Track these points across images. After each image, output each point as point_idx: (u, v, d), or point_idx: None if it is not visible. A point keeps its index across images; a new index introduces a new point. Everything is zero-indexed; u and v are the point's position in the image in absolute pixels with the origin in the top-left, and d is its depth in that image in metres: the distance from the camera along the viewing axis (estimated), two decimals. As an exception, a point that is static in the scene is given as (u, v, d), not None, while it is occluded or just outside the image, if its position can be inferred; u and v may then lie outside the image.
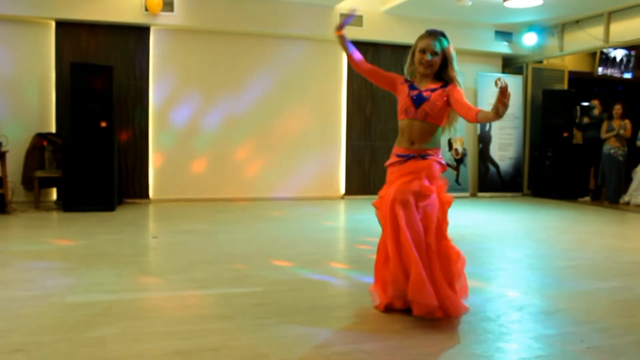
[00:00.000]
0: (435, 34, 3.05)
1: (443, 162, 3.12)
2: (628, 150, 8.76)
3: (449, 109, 3.07)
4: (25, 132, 7.30)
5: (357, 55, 3.25)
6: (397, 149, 3.14)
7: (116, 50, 7.75)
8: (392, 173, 3.12)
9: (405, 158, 3.07)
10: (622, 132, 8.63)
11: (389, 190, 3.03)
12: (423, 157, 3.04)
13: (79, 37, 7.58)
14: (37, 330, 2.73)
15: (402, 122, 3.12)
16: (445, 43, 3.05)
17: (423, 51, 3.03)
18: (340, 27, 3.24)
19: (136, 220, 6.47)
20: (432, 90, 3.05)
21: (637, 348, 2.70)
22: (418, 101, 3.04)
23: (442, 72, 3.09)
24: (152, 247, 4.98)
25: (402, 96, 3.11)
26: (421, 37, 3.08)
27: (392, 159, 3.14)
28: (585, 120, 9.51)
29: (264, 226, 6.18)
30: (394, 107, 9.83)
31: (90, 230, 5.61)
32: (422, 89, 3.08)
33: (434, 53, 3.02)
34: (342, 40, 3.23)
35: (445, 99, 3.02)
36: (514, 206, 8.51)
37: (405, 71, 3.21)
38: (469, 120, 2.94)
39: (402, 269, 2.92)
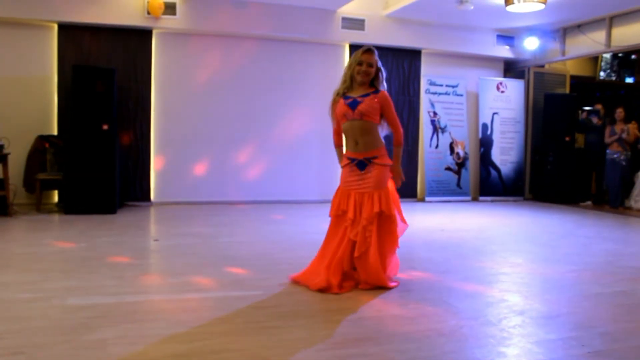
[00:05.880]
0: (371, 51, 3.70)
1: (388, 161, 3.74)
2: (631, 155, 8.75)
3: (379, 109, 3.71)
4: (27, 135, 7.31)
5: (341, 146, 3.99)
6: (347, 152, 3.79)
7: (118, 53, 7.77)
8: (345, 175, 3.79)
9: (353, 161, 3.71)
10: (624, 135, 8.61)
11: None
12: (369, 160, 3.68)
13: (81, 40, 7.60)
14: (38, 333, 2.73)
15: (345, 125, 3.73)
16: (376, 57, 3.72)
17: (361, 63, 3.67)
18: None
19: (137, 223, 6.47)
20: (364, 96, 3.68)
21: (639, 353, 2.69)
22: (353, 105, 3.67)
23: (374, 80, 3.75)
24: (153, 250, 4.98)
25: (339, 106, 3.73)
26: (358, 53, 3.71)
27: (344, 160, 3.80)
28: (596, 121, 9.42)
29: (264, 229, 6.18)
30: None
31: (91, 232, 5.61)
32: (355, 96, 3.70)
33: (370, 65, 3.67)
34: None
35: (377, 101, 3.67)
36: (515, 210, 8.51)
37: (341, 85, 3.79)
38: (394, 141, 3.78)
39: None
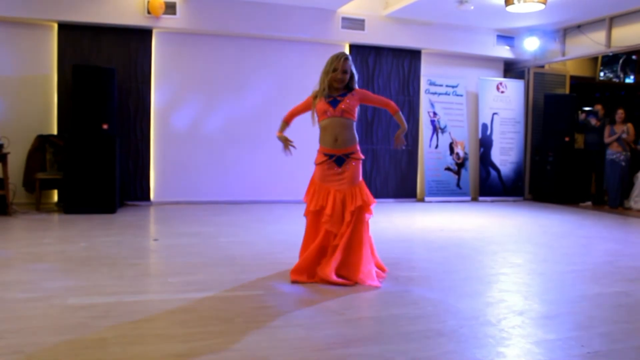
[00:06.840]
0: (346, 58, 3.86)
1: (361, 156, 3.98)
2: (631, 155, 8.76)
3: (357, 106, 3.94)
4: (27, 134, 7.31)
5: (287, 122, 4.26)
6: (323, 148, 3.93)
7: (118, 52, 7.78)
8: (322, 171, 3.93)
9: (331, 157, 3.88)
10: (624, 136, 8.62)
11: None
12: (347, 156, 3.88)
13: (81, 40, 7.60)
14: (38, 332, 2.73)
15: (324, 122, 3.90)
16: (350, 63, 3.90)
17: (335, 70, 3.83)
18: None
19: (137, 223, 6.47)
20: (343, 95, 3.89)
21: (638, 353, 2.69)
22: (334, 103, 3.86)
23: (348, 84, 3.93)
24: (152, 250, 4.98)
25: (320, 104, 3.90)
26: (334, 60, 3.86)
27: (320, 157, 3.94)
28: (595, 122, 9.43)
29: (265, 229, 6.18)
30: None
31: (91, 232, 5.61)
32: (335, 95, 3.90)
33: (344, 72, 3.85)
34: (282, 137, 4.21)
35: (356, 99, 3.91)
36: (515, 210, 8.51)
37: (319, 88, 3.94)
38: (391, 111, 4.05)
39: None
